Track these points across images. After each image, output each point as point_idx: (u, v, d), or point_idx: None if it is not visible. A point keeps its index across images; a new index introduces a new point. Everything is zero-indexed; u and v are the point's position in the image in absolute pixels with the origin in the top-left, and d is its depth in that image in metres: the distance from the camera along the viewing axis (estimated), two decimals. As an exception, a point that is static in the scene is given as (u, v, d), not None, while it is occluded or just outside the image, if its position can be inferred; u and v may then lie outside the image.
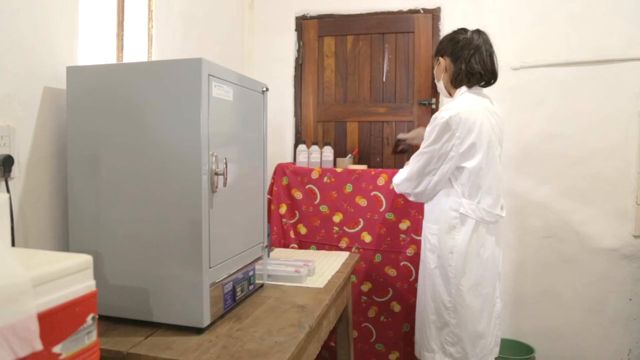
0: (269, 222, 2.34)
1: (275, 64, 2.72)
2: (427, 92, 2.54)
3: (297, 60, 2.69)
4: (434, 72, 1.90)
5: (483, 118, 1.70)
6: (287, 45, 2.70)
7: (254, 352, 1.10)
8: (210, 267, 1.22)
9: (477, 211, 1.70)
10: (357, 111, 2.61)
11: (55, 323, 0.69)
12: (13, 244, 1.14)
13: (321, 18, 2.65)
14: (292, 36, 2.69)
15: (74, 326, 0.72)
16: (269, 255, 2.00)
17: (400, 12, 2.55)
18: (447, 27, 2.49)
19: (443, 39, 1.87)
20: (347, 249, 2.26)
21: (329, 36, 2.65)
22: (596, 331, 2.40)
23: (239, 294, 1.39)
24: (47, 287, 0.68)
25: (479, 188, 1.71)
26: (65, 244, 1.30)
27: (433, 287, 1.75)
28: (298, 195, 2.35)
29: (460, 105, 1.68)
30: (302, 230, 2.35)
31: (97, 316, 0.77)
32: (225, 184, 1.23)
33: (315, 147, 2.46)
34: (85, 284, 0.75)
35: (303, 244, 2.36)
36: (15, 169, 1.17)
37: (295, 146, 2.66)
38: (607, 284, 2.38)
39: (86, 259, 0.76)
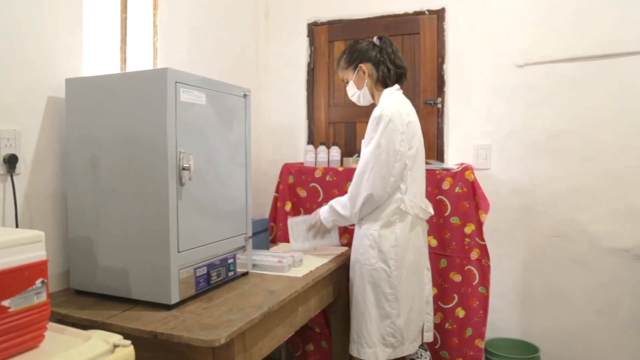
0: (275, 219, 2.48)
1: (289, 69, 2.87)
2: (433, 92, 2.57)
3: (309, 64, 2.82)
4: (352, 82, 1.97)
5: (412, 111, 1.87)
6: (299, 51, 2.84)
7: (206, 325, 1.24)
8: (179, 252, 1.38)
9: (415, 208, 1.82)
10: (366, 112, 2.67)
11: (4, 283, 0.87)
12: (17, 227, 1.37)
13: (331, 24, 2.76)
14: (304, 42, 2.82)
15: (22, 287, 0.90)
16: (268, 247, 2.16)
17: (406, 15, 2.61)
18: (452, 26, 2.52)
19: (350, 49, 1.97)
20: (347, 245, 2.35)
21: (338, 40, 2.75)
22: (609, 335, 2.31)
23: (215, 278, 1.54)
24: (-4, 254, 0.86)
25: (414, 184, 1.82)
26: (65, 229, 1.51)
27: (374, 281, 1.80)
28: (302, 193, 2.47)
29: (395, 102, 1.82)
30: (307, 226, 2.47)
31: (46, 281, 0.95)
32: (190, 178, 1.38)
33: (322, 148, 2.57)
34: (35, 254, 0.93)
35: (307, 240, 2.47)
36: (21, 167, 1.40)
37: (307, 147, 2.78)
38: (620, 286, 2.29)
39: (37, 234, 0.94)
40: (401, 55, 1.97)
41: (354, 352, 1.85)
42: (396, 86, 1.92)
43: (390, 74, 1.90)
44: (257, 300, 1.45)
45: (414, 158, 1.81)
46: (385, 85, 1.92)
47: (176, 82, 1.35)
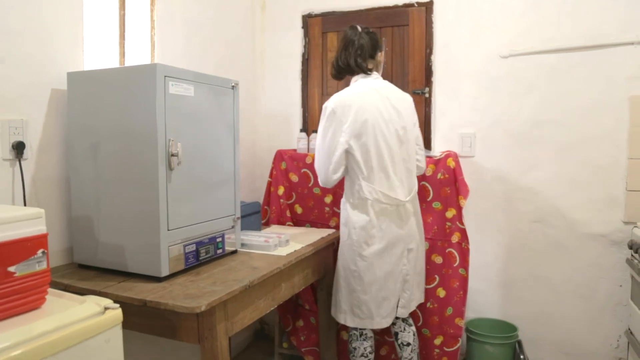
0: (268, 202, 2.62)
1: (284, 60, 2.98)
2: (421, 82, 2.67)
3: (303, 55, 2.93)
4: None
5: (364, 100, 1.92)
6: (294, 43, 2.95)
7: (190, 295, 1.39)
8: (169, 230, 1.52)
9: (374, 193, 1.93)
10: (357, 101, 2.79)
11: (9, 252, 1.02)
12: (25, 205, 1.53)
13: (325, 15, 2.86)
14: (299, 33, 2.93)
15: (25, 255, 1.05)
16: (259, 229, 2.30)
17: (395, 7, 2.70)
18: (439, 18, 2.60)
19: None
20: (337, 227, 2.48)
21: (331, 32, 2.86)
22: (586, 317, 2.42)
23: (204, 255, 1.69)
24: (2, 227, 1.01)
25: (372, 170, 1.92)
26: (69, 209, 1.67)
27: (343, 256, 1.98)
28: (294, 178, 2.60)
29: (349, 91, 1.97)
30: (298, 210, 2.61)
31: (46, 251, 1.10)
32: (178, 163, 1.52)
33: (315, 135, 2.69)
34: (36, 228, 1.08)
35: (299, 222, 2.61)
36: (28, 153, 1.55)
37: (301, 135, 2.90)
38: (597, 270, 2.39)
39: (38, 211, 1.09)
40: (360, 51, 2.04)
41: (332, 313, 2.10)
42: (361, 74, 2.04)
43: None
44: (240, 275, 1.59)
45: (367, 146, 1.90)
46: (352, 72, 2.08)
47: (165, 76, 1.48)
